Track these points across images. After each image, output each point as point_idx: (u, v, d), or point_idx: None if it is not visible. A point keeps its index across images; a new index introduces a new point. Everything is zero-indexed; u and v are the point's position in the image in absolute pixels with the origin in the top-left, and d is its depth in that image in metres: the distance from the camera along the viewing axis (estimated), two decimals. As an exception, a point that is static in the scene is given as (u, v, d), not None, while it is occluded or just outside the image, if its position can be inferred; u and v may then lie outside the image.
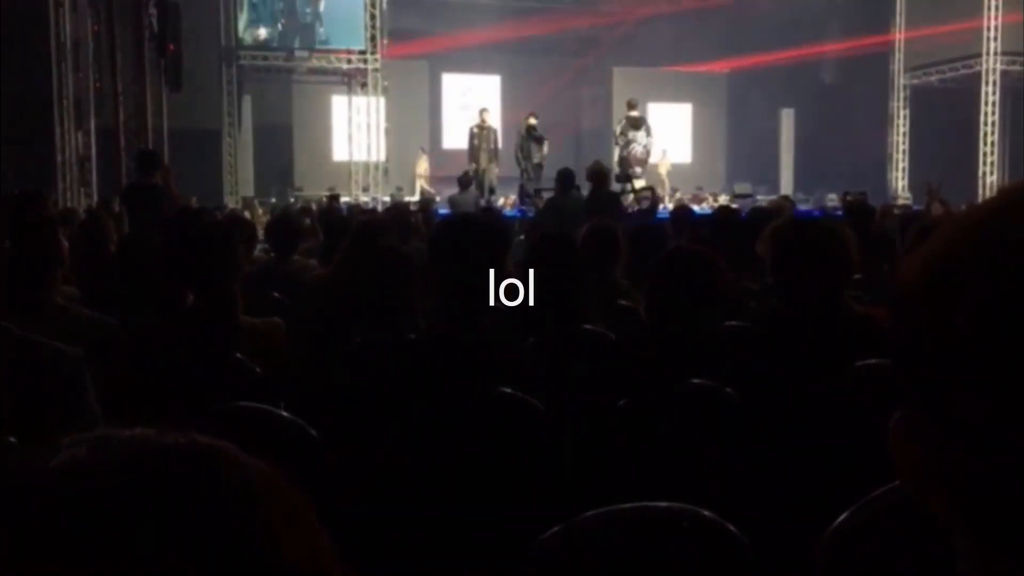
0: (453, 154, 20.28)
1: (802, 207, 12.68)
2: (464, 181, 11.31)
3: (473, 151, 13.23)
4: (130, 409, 2.28)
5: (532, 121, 12.89)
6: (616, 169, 12.11)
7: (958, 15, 15.98)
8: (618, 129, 12.86)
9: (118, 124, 9.20)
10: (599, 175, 8.15)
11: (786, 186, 18.68)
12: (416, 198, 14.82)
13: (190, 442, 0.47)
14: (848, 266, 2.46)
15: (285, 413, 1.96)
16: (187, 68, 12.19)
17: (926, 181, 12.18)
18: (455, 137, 22.27)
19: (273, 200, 16.37)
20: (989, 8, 15.50)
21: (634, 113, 12.72)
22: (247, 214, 11.07)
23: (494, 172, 13.30)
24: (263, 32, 16.64)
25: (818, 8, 19.64)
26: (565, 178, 8.15)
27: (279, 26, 16.80)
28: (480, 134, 13.31)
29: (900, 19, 17.76)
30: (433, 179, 17.70)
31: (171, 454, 0.46)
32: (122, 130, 9.25)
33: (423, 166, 18.23)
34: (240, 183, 16.84)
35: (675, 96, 21.60)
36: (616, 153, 12.73)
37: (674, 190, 16.86)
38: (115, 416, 2.04)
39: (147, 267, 3.57)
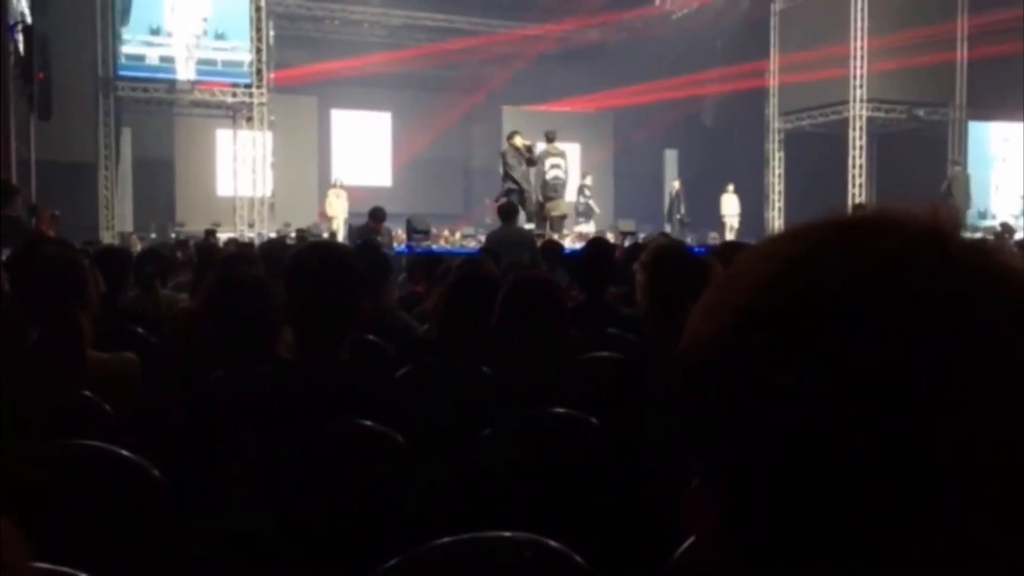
0: (346, 190, 20.07)
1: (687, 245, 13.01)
2: (379, 214, 10.85)
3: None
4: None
5: (524, 141, 11.56)
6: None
7: (826, 63, 16.88)
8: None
9: (-23, 154, 8.74)
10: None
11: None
12: (341, 238, 12.97)
13: None
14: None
15: (125, 452, 1.85)
16: (59, 98, 11.69)
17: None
18: (345, 173, 22.14)
19: (153, 235, 15.84)
20: (855, 58, 16.45)
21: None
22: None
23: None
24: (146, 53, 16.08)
25: (699, 50, 20.43)
26: (507, 211, 8.96)
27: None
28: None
29: (774, 65, 18.64)
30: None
31: None
32: (-18, 160, 8.79)
33: (338, 204, 16.07)
34: (118, 218, 16.22)
35: (564, 135, 21.99)
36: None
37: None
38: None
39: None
